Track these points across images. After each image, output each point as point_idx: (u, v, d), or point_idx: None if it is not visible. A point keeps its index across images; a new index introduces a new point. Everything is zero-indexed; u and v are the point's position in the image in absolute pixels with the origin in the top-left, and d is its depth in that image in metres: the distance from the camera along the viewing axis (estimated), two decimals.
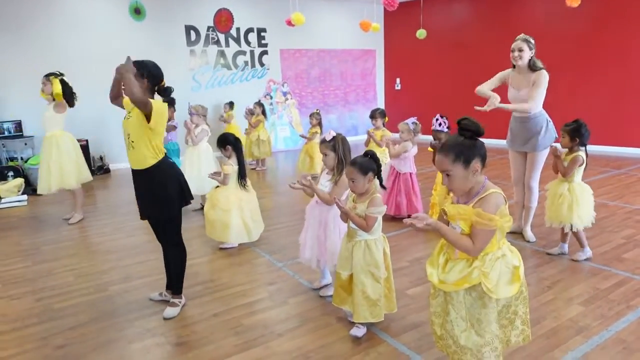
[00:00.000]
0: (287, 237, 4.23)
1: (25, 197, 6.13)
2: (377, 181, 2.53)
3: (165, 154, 2.80)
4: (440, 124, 3.96)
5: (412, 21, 10.24)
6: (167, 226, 2.85)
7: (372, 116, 5.44)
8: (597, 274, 3.22)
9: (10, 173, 6.61)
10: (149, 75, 2.69)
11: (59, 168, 4.80)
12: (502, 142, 4.32)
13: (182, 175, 2.92)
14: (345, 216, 2.51)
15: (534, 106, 3.67)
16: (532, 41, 3.65)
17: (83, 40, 7.74)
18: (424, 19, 9.85)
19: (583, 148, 3.38)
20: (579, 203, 3.38)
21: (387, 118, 5.50)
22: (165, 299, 3.03)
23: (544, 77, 3.62)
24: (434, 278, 1.87)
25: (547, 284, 3.08)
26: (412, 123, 4.54)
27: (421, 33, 8.54)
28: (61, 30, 7.67)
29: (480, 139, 1.78)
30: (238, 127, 8.56)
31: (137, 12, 5.95)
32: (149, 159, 2.68)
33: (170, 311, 2.87)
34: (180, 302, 2.95)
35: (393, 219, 4.52)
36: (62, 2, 7.67)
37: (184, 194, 2.86)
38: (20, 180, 6.43)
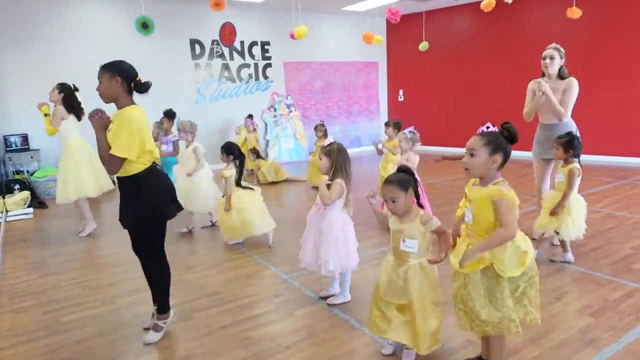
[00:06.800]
0: (293, 249, 4.20)
1: (31, 210, 6.14)
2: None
3: (155, 163, 2.68)
4: (487, 127, 3.96)
5: (414, 33, 10.33)
6: (151, 237, 2.68)
7: (386, 124, 5.61)
8: (606, 285, 3.20)
9: (17, 186, 6.64)
10: (121, 72, 2.48)
11: (76, 177, 4.72)
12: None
13: (172, 185, 2.79)
14: (383, 226, 2.40)
15: (568, 112, 3.77)
16: (563, 50, 3.78)
17: (89, 53, 7.80)
18: (426, 31, 9.94)
19: (577, 160, 3.44)
20: (570, 212, 3.42)
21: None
22: None
23: (575, 85, 3.75)
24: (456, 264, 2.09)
25: (555, 295, 3.06)
26: (409, 132, 4.53)
27: (424, 45, 8.61)
28: (68, 44, 7.78)
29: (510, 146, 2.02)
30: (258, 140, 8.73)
31: (145, 26, 6.01)
32: (137, 164, 2.55)
33: (151, 336, 2.68)
34: (164, 323, 2.75)
35: None
36: (69, 15, 7.78)
37: (171, 205, 2.71)
38: (26, 193, 6.44)
